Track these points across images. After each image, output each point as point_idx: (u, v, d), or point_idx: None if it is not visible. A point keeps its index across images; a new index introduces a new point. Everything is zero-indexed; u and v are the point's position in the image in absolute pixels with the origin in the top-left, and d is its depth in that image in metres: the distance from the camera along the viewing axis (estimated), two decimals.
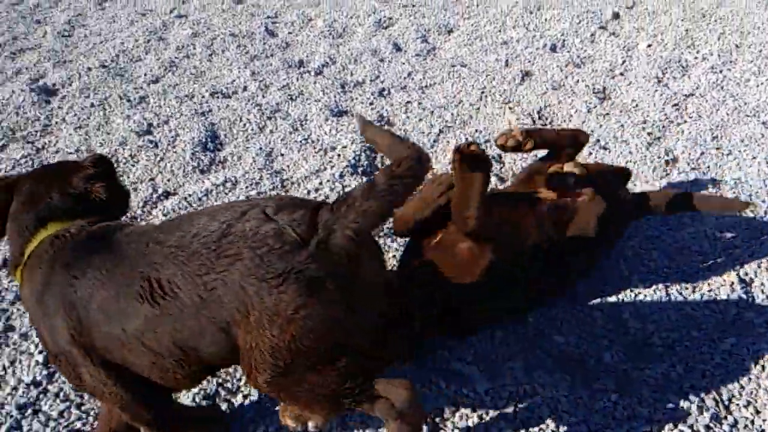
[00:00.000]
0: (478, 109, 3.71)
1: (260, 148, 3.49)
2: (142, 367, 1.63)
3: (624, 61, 4.13)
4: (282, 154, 3.45)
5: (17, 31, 5.51)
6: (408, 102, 3.85)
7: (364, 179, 3.16)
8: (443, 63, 4.31)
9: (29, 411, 2.09)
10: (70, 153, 3.56)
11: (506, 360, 2.12)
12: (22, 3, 6.28)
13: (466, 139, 3.39)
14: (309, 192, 3.08)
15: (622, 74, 3.98)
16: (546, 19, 4.85)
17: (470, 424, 1.93)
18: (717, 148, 3.14)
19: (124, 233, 1.69)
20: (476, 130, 3.48)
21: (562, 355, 2.13)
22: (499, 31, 4.69)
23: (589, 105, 3.60)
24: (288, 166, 3.33)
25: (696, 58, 3.96)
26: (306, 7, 5.53)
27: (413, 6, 5.35)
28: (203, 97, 4.10)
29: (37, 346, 2.32)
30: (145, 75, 4.48)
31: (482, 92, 3.86)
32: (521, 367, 2.09)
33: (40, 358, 2.27)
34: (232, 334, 1.52)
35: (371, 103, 3.87)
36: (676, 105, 3.51)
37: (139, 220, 2.98)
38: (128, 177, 3.32)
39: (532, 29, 4.70)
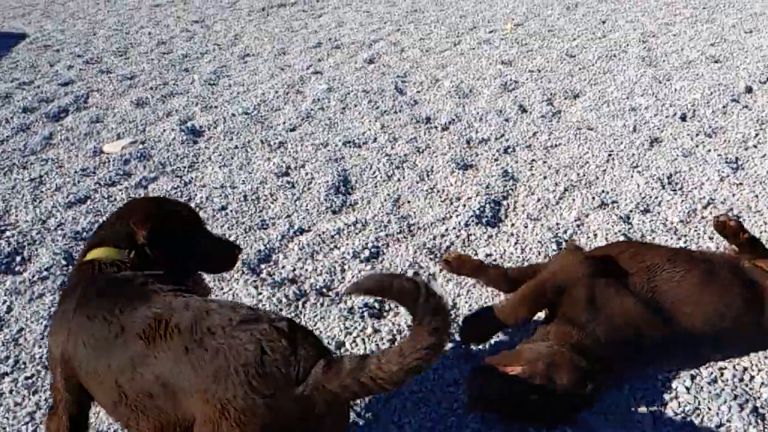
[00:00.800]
0: (605, 170, 3.74)
1: (388, 195, 3.66)
2: (106, 406, 1.73)
3: (757, 134, 4.07)
4: (409, 201, 3.60)
5: (168, 78, 6.06)
6: (533, 160, 3.94)
7: (489, 229, 3.24)
8: (569, 125, 4.38)
9: None
10: (215, 188, 3.86)
11: (633, 412, 2.11)
12: (172, 53, 6.92)
13: (593, 198, 3.43)
14: (435, 237, 3.20)
15: (755, 146, 3.92)
16: (675, 90, 4.85)
17: None
18: None
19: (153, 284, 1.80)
20: (603, 191, 3.51)
21: (690, 413, 2.10)
22: (627, 98, 4.73)
23: (721, 174, 3.56)
24: (414, 213, 3.48)
25: None
26: (434, 69, 5.79)
27: (539, 71, 5.49)
28: (336, 145, 4.36)
29: None
30: (284, 123, 4.81)
31: (609, 155, 3.90)
32: (650, 421, 2.07)
33: None
34: (180, 405, 1.57)
35: (496, 159, 3.99)
36: None
37: (276, 251, 3.19)
38: (267, 213, 3.56)
39: (661, 98, 4.71)
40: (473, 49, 6.29)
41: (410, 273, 2.93)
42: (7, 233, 3.45)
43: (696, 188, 3.47)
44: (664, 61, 5.59)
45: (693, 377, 2.23)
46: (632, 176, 3.63)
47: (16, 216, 3.66)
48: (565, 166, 3.83)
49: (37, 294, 2.93)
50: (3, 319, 2.78)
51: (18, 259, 3.26)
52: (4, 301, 2.90)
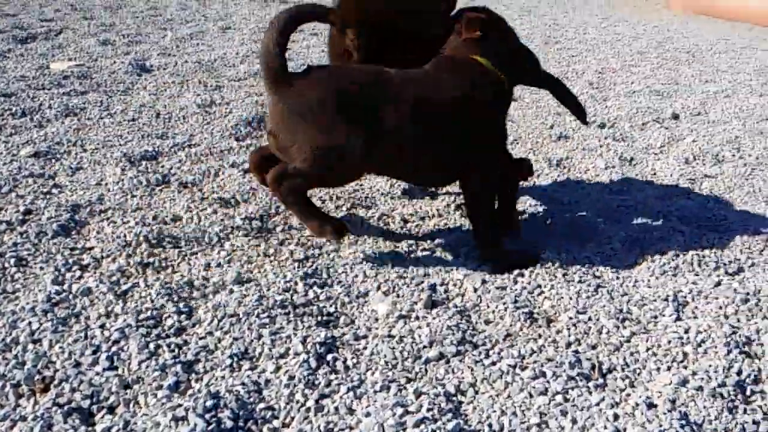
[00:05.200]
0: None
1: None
2: None
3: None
4: None
5: (143, 31, 6.28)
6: None
7: None
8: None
9: None
10: (137, 105, 4.01)
11: None
12: (160, 16, 7.15)
13: None
14: None
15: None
16: (608, 107, 4.98)
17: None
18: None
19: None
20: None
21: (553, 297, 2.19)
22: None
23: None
24: None
25: (733, 156, 3.96)
26: None
27: None
28: None
29: None
30: (230, 75, 4.97)
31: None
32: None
33: None
34: None
35: None
36: (692, 179, 3.53)
37: (163, 155, 3.31)
38: (173, 129, 3.69)
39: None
40: None
41: None
42: None
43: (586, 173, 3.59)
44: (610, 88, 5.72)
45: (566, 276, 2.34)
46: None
47: None
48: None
49: None
50: None
51: None
52: None
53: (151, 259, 2.32)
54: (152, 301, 2.07)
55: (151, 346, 1.87)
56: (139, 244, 2.41)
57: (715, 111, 5.02)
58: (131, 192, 2.85)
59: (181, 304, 2.07)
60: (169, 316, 2.00)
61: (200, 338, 1.92)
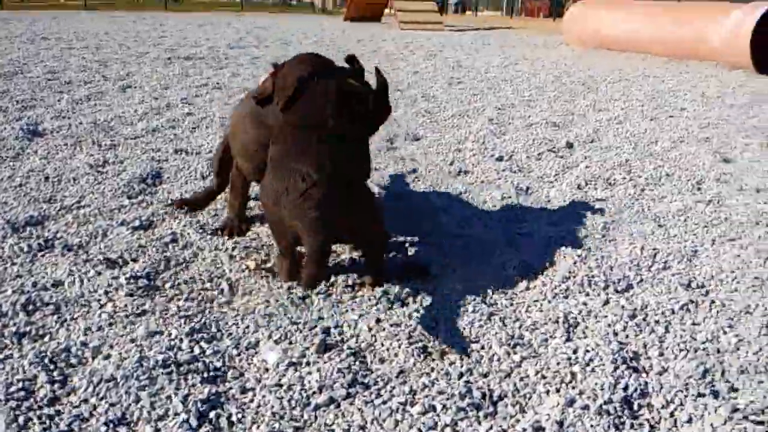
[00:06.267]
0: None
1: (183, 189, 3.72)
2: None
3: None
4: None
5: (38, 96, 6.11)
6: None
7: None
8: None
9: None
10: (27, 170, 3.85)
11: None
12: (57, 80, 6.97)
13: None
14: None
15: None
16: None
17: None
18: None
19: None
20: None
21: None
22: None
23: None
24: None
25: (624, 179, 4.12)
26: None
27: None
28: (168, 151, 4.43)
29: None
30: (128, 133, 4.86)
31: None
32: None
33: None
34: None
35: None
36: (584, 203, 3.64)
37: (49, 219, 3.18)
38: (63, 192, 3.57)
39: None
40: None
41: None
42: None
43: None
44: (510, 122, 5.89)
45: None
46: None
47: None
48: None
49: None
50: None
51: None
52: None
53: (27, 328, 2.19)
54: (24, 372, 1.94)
55: (21, 419, 1.75)
56: (16, 313, 2.28)
57: (608, 137, 5.24)
58: (11, 260, 2.71)
59: (55, 373, 1.95)
60: (42, 386, 1.88)
61: (74, 407, 1.81)
